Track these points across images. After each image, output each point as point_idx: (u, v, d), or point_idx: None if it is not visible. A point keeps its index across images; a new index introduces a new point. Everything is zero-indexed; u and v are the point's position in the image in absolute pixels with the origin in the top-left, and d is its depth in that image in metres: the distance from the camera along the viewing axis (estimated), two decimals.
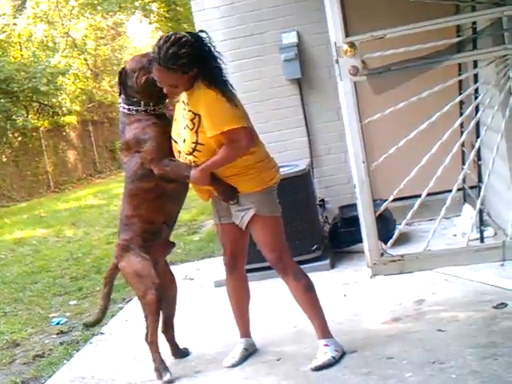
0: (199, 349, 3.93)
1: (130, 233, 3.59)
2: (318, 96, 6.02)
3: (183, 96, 3.33)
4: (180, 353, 3.90)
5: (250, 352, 3.69)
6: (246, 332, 3.74)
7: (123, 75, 3.54)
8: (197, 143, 3.27)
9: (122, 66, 3.62)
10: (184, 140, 3.32)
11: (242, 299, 3.71)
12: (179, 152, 3.38)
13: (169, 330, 3.87)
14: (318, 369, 3.31)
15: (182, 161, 3.38)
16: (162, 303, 3.59)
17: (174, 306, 3.88)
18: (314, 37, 5.89)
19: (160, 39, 3.23)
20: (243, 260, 3.67)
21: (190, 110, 3.27)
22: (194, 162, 3.32)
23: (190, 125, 3.26)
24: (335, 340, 3.45)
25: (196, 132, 3.25)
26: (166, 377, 3.54)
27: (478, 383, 2.87)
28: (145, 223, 3.57)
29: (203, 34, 3.26)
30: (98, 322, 3.99)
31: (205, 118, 3.20)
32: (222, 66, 3.29)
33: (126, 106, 3.54)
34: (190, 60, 3.16)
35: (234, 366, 3.58)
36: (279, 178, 3.51)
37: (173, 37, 3.18)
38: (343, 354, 3.40)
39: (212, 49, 3.25)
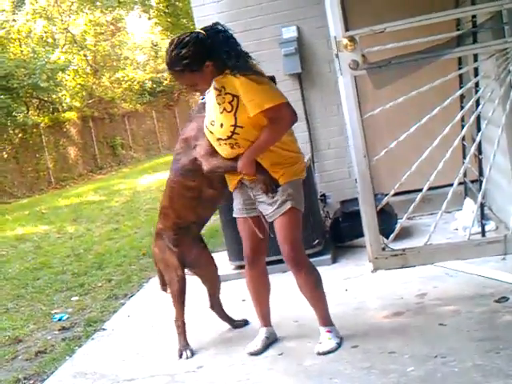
0: (201, 343, 3.94)
1: (164, 222, 3.89)
2: (319, 91, 6.02)
3: (214, 83, 3.30)
4: (236, 324, 4.12)
5: (270, 341, 3.73)
6: (266, 322, 3.78)
7: None
8: (235, 126, 3.26)
9: None
10: (221, 125, 3.31)
11: (263, 292, 3.74)
12: (218, 140, 3.38)
13: (215, 306, 4.13)
14: (324, 354, 3.41)
15: (222, 148, 3.40)
16: (186, 293, 3.88)
17: (216, 284, 4.12)
18: (314, 31, 5.88)
19: (168, 44, 3.30)
20: (264, 254, 3.68)
21: (227, 93, 3.25)
22: (236, 144, 3.31)
23: (229, 107, 3.26)
24: (336, 327, 3.57)
25: (234, 114, 3.25)
26: (184, 356, 3.77)
27: (480, 377, 2.87)
28: (176, 217, 3.83)
29: (217, 27, 3.26)
30: None
31: (245, 98, 3.18)
32: (241, 50, 3.25)
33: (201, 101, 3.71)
34: (195, 58, 3.18)
35: (256, 353, 3.62)
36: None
37: (176, 39, 3.25)
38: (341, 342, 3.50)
39: (225, 40, 3.22)
